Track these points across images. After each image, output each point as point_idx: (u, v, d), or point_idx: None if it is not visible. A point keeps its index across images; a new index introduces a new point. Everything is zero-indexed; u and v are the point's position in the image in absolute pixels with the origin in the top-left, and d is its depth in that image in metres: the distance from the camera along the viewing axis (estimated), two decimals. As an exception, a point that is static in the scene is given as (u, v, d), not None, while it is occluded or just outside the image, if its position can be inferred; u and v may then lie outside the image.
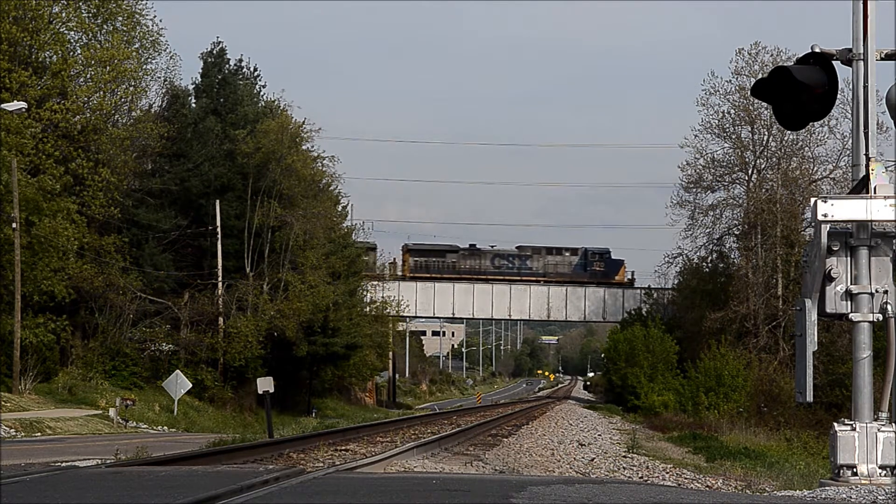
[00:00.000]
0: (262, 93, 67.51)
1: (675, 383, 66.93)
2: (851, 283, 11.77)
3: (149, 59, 55.83)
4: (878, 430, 11.53)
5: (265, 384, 27.72)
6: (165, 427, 40.87)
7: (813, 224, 11.77)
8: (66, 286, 46.48)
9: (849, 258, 11.80)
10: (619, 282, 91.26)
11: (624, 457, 27.96)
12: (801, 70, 12.26)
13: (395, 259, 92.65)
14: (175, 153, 59.59)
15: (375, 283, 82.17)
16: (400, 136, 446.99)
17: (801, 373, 11.72)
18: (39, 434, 31.31)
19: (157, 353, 54.75)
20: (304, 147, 64.38)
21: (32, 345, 44.01)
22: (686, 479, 21.98)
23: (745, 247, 70.56)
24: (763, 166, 71.49)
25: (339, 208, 74.93)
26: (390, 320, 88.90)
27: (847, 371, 38.66)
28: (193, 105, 63.75)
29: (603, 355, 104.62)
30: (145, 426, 39.86)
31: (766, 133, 70.20)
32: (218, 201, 59.18)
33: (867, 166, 11.85)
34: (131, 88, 54.06)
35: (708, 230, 73.54)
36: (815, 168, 70.99)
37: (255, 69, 67.11)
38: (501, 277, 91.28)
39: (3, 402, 36.96)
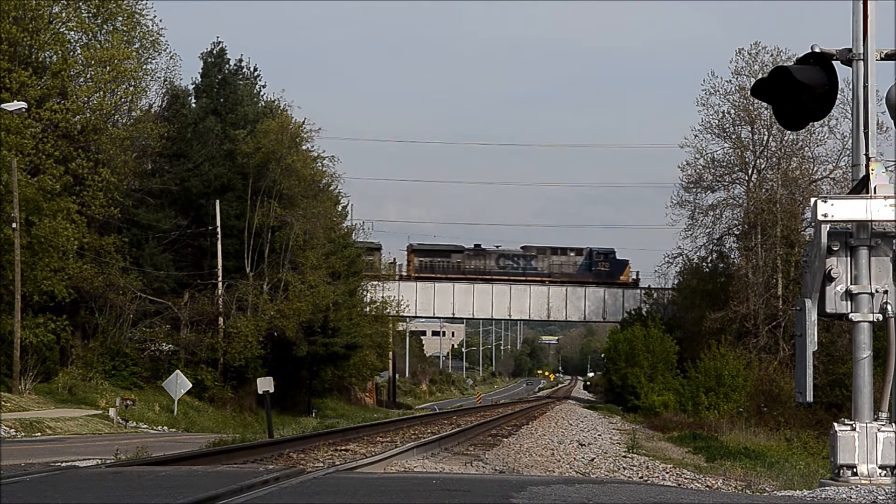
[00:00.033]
0: (262, 93, 67.66)
1: (675, 383, 66.92)
2: (851, 283, 11.77)
3: (149, 59, 55.97)
4: (878, 430, 11.53)
5: (265, 384, 27.73)
6: (165, 427, 40.86)
7: (813, 224, 11.77)
8: (66, 286, 46.48)
9: (849, 258, 11.80)
10: (624, 282, 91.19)
11: (624, 457, 27.96)
12: (801, 70, 12.25)
13: (394, 259, 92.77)
14: (175, 153, 59.60)
15: (376, 283, 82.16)
16: (400, 136, 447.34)
17: (801, 373, 11.72)
18: (39, 434, 31.30)
19: (157, 353, 54.75)
20: (304, 147, 64.41)
21: (32, 345, 44.00)
22: (686, 479, 21.98)
23: (745, 247, 70.55)
24: (763, 166, 71.50)
25: (340, 208, 74.95)
26: (390, 320, 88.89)
27: (847, 371, 38.62)
28: (193, 105, 63.76)
29: (603, 355, 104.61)
30: (145, 426, 39.85)
31: (766, 133, 70.22)
32: (218, 201, 59.19)
33: (867, 166, 11.85)
34: (131, 88, 54.11)
35: (708, 230, 73.66)
36: (815, 168, 71.11)
37: (255, 69, 67.28)
38: (506, 278, 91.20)
39: (3, 402, 36.94)
